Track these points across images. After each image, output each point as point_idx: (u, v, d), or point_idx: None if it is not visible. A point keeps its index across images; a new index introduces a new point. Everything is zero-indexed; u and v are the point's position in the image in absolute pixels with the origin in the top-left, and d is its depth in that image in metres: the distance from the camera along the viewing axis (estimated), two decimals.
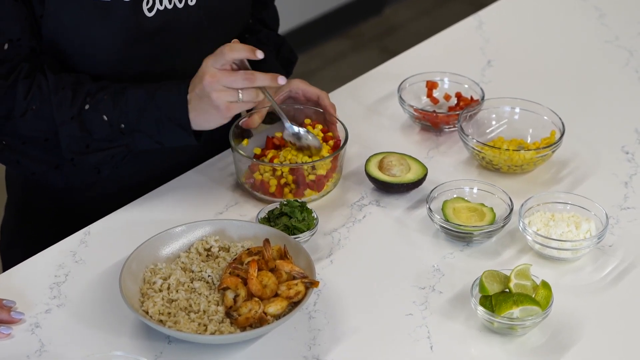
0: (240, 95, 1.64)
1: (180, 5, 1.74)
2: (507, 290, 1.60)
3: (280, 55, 1.99)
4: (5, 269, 1.74)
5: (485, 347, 1.57)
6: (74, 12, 1.67)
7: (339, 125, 1.88)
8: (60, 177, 1.78)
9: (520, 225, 1.73)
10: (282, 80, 1.67)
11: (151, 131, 1.70)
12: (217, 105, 1.64)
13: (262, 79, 1.65)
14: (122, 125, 1.69)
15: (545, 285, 1.60)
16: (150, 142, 1.72)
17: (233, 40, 1.69)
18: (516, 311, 1.56)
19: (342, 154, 1.84)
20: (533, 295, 1.59)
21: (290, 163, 1.80)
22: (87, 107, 1.69)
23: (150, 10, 1.71)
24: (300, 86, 1.88)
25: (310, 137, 1.81)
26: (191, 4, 1.76)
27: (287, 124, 1.81)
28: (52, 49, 1.70)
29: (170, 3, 1.73)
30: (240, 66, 1.68)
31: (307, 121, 1.89)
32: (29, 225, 1.92)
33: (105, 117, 1.69)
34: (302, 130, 1.81)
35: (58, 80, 1.69)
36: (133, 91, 1.70)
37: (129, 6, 1.69)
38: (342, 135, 1.88)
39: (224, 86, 1.64)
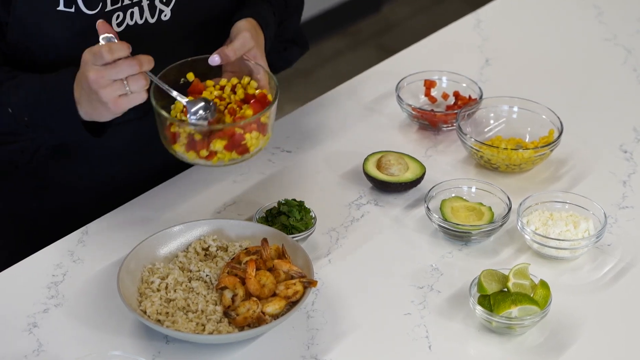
0: (127, 87, 1.56)
1: (152, 21, 1.71)
2: (506, 289, 1.60)
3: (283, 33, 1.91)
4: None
5: (484, 346, 1.57)
6: (38, 20, 1.65)
7: (267, 77, 1.70)
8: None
9: (519, 224, 1.73)
10: (214, 60, 1.63)
11: (49, 126, 1.64)
12: (105, 102, 1.57)
13: (149, 61, 1.57)
14: (26, 119, 1.65)
15: (543, 284, 1.60)
16: (53, 137, 1.66)
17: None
18: (514, 310, 1.56)
19: (271, 111, 1.64)
20: (531, 295, 1.58)
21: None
22: None
23: (119, 25, 1.69)
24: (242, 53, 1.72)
25: (200, 113, 1.65)
26: (164, 19, 1.72)
27: (178, 97, 1.65)
28: (17, 54, 1.69)
29: (141, 18, 1.70)
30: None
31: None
32: (21, 227, 1.91)
33: (9, 110, 1.64)
34: (184, 101, 1.63)
35: None
36: (30, 84, 1.64)
37: (94, 18, 1.65)
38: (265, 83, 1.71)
39: (110, 79, 1.56)
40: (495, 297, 1.58)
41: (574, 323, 1.60)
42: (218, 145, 1.60)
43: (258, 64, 1.69)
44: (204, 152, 1.60)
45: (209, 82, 1.69)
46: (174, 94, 1.63)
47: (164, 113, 1.60)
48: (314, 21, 4.15)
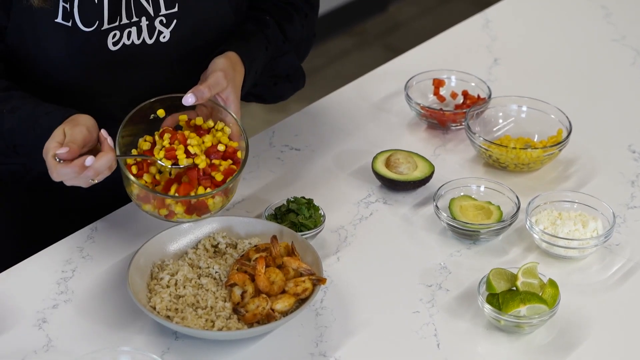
0: (91, 179, 1.56)
1: (150, 42, 1.70)
2: (514, 288, 1.60)
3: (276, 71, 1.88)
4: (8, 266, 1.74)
5: (492, 345, 1.57)
6: (35, 30, 1.65)
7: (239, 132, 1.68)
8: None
9: (527, 223, 1.73)
10: (188, 100, 1.62)
11: (36, 159, 1.61)
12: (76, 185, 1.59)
13: (104, 160, 1.54)
14: (14, 145, 1.65)
15: (552, 283, 1.60)
16: (40, 167, 1.61)
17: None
18: (523, 309, 1.56)
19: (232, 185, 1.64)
20: (540, 294, 1.59)
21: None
22: None
23: (115, 44, 1.68)
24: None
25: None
26: (163, 40, 1.71)
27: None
28: (14, 59, 1.69)
29: (139, 39, 1.69)
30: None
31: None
32: (30, 223, 1.91)
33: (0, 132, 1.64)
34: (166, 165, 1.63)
35: None
36: (22, 114, 1.62)
37: (90, 35, 1.65)
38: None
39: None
40: (504, 295, 1.58)
41: (583, 322, 1.60)
42: (178, 209, 1.63)
43: (232, 115, 1.67)
44: (164, 211, 1.63)
45: (182, 117, 1.68)
46: (149, 159, 1.63)
47: (131, 177, 1.61)
48: (320, 21, 4.14)
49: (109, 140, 1.58)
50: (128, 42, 1.69)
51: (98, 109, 1.69)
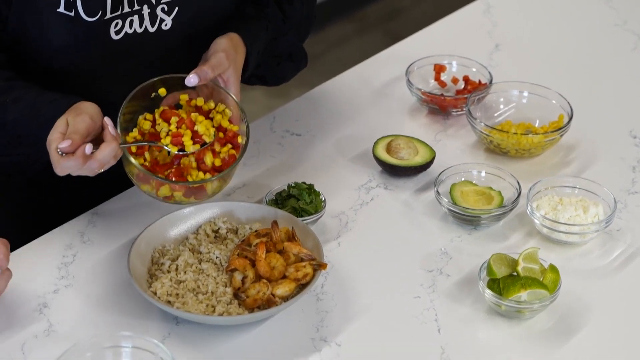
0: (98, 169, 1.56)
1: (152, 30, 1.70)
2: (515, 273, 1.60)
3: (279, 47, 1.87)
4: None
5: (493, 330, 1.57)
6: (37, 19, 1.64)
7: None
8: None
9: (528, 208, 1.73)
10: (191, 81, 1.62)
11: (40, 150, 1.61)
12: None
13: (108, 150, 1.54)
14: (18, 135, 1.64)
15: (553, 268, 1.60)
16: (44, 156, 1.60)
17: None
18: (524, 294, 1.56)
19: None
20: (541, 279, 1.59)
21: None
22: None
23: (117, 33, 1.67)
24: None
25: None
26: (165, 28, 1.70)
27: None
28: (16, 48, 1.68)
29: (141, 27, 1.69)
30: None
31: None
32: (34, 206, 1.91)
33: (3, 124, 1.63)
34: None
35: None
36: (25, 103, 1.61)
37: (93, 24, 1.64)
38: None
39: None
40: (505, 281, 1.58)
41: (583, 307, 1.61)
42: (176, 192, 1.62)
43: (232, 96, 1.67)
44: (163, 192, 1.62)
45: (183, 96, 1.67)
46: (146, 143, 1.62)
47: (133, 161, 1.60)
48: (320, 6, 4.14)
49: (111, 128, 1.57)
50: (130, 31, 1.68)
51: (100, 97, 1.68)
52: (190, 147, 1.61)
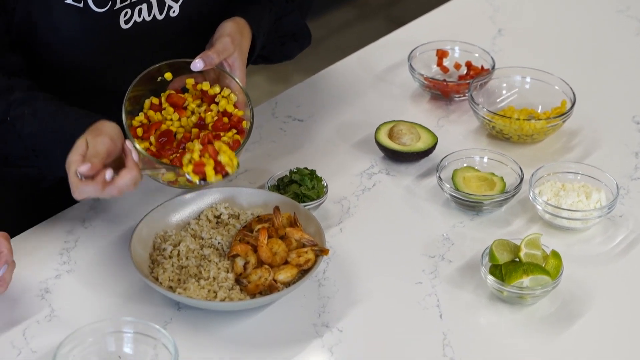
0: (117, 195, 1.53)
1: (160, 17, 1.70)
2: (517, 259, 1.60)
3: (282, 27, 1.87)
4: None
5: (495, 316, 1.57)
6: (44, 10, 1.63)
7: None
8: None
9: (531, 194, 1.73)
10: (197, 65, 1.62)
11: (52, 166, 1.60)
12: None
13: (128, 178, 1.51)
14: (33, 150, 1.61)
15: (555, 254, 1.60)
16: (56, 173, 1.60)
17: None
18: (526, 280, 1.56)
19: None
20: (543, 265, 1.58)
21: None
22: (8, 118, 1.61)
23: (127, 22, 1.67)
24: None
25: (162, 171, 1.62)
26: (173, 15, 1.70)
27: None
28: (22, 41, 1.67)
29: (149, 15, 1.68)
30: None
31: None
32: (35, 192, 1.91)
33: (19, 136, 1.61)
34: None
35: None
36: (43, 117, 1.59)
37: (102, 16, 1.64)
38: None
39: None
40: (507, 267, 1.58)
41: (585, 293, 1.60)
42: (181, 178, 1.60)
43: (237, 81, 1.67)
44: (167, 177, 1.61)
45: (189, 80, 1.67)
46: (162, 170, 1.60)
47: (138, 147, 1.58)
48: None
49: (134, 154, 1.53)
50: (139, 20, 1.68)
51: (107, 85, 1.68)
52: (212, 178, 1.57)
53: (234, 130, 1.65)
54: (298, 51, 1.93)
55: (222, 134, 1.64)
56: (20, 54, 1.67)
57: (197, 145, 1.59)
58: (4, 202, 1.89)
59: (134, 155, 1.53)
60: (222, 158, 1.57)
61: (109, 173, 1.50)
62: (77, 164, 1.50)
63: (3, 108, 1.60)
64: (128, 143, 1.55)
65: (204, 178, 1.56)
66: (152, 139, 1.62)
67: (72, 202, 1.75)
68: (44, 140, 1.59)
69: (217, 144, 1.58)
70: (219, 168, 1.57)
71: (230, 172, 1.57)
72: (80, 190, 1.50)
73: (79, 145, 1.53)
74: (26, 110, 1.60)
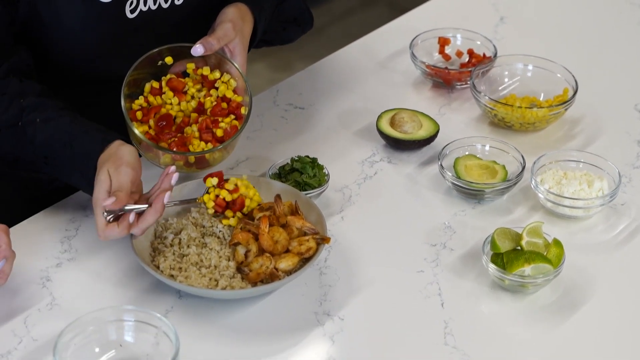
0: (139, 234, 1.56)
1: (165, 6, 1.70)
2: (519, 248, 1.60)
3: (283, 12, 1.87)
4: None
5: (496, 304, 1.57)
6: (49, 2, 1.63)
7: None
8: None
9: (533, 183, 1.72)
10: (197, 50, 1.62)
11: (62, 175, 1.63)
12: None
13: (151, 219, 1.55)
14: (44, 157, 1.62)
15: (557, 243, 1.59)
16: (66, 181, 1.63)
17: None
18: (528, 269, 1.55)
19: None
20: (545, 253, 1.58)
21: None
22: (20, 123, 1.62)
23: (132, 12, 1.67)
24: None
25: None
26: (178, 3, 1.71)
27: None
28: (27, 32, 1.67)
29: (155, 4, 1.69)
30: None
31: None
32: (37, 180, 1.90)
33: (31, 142, 1.62)
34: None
35: (1, 84, 1.63)
36: (57, 128, 1.60)
37: (108, 6, 1.64)
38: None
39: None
40: (509, 255, 1.58)
41: (587, 282, 1.60)
42: (178, 162, 1.63)
43: (237, 67, 1.67)
44: (165, 160, 1.63)
45: (190, 65, 1.68)
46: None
47: (137, 132, 1.61)
48: None
49: (166, 198, 1.55)
50: (145, 8, 1.68)
51: (111, 74, 1.68)
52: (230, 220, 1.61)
53: (232, 116, 1.65)
54: (299, 35, 1.94)
55: (220, 119, 1.64)
56: (26, 50, 1.67)
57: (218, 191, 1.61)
58: (5, 191, 1.89)
59: (166, 199, 1.55)
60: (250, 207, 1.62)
61: (132, 217, 1.53)
62: (104, 201, 1.53)
63: (15, 112, 1.61)
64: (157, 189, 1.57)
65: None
66: (152, 122, 1.63)
67: (73, 190, 1.76)
68: (55, 151, 1.60)
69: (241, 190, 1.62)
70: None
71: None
72: (106, 234, 1.53)
73: (103, 180, 1.55)
74: (38, 118, 1.61)
